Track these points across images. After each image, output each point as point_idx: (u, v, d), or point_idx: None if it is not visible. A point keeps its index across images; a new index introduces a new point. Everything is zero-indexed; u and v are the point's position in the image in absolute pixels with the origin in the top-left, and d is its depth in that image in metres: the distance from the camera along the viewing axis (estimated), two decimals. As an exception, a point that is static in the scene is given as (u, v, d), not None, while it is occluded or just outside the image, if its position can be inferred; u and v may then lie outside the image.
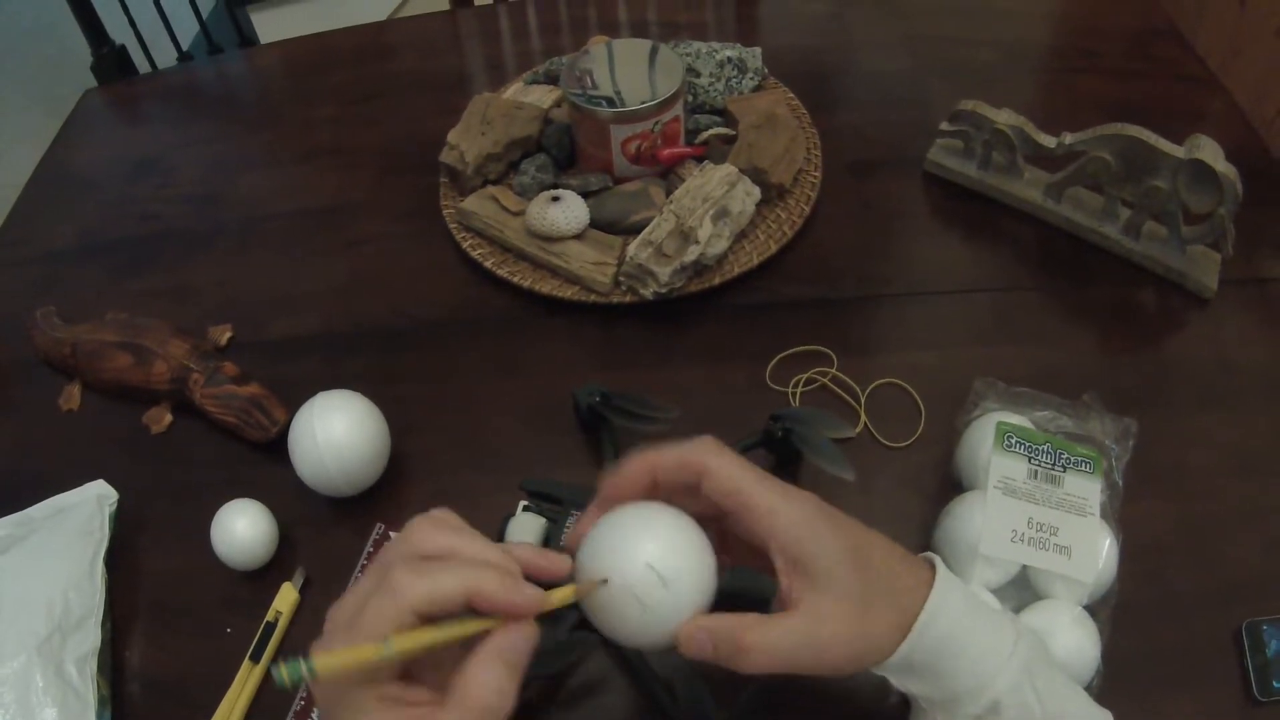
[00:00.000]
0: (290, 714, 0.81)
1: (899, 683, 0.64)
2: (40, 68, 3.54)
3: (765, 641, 0.59)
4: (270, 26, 2.26)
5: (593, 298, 1.05)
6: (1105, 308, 1.04)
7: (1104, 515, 0.81)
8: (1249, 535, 0.86)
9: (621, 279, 1.05)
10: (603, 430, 0.93)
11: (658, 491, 0.63)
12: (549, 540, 0.81)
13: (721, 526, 0.63)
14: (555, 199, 1.07)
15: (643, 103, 1.07)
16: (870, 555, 0.62)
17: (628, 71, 1.12)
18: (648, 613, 0.58)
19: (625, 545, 0.59)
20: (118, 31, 1.72)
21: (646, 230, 1.03)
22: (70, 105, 1.51)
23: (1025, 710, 0.60)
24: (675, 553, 0.59)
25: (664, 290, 1.02)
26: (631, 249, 1.03)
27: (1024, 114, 1.09)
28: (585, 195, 1.10)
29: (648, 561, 0.58)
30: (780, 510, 0.60)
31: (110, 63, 1.67)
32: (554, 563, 0.59)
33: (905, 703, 0.69)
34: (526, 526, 0.82)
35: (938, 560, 0.64)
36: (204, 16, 1.92)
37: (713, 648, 0.59)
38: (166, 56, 1.91)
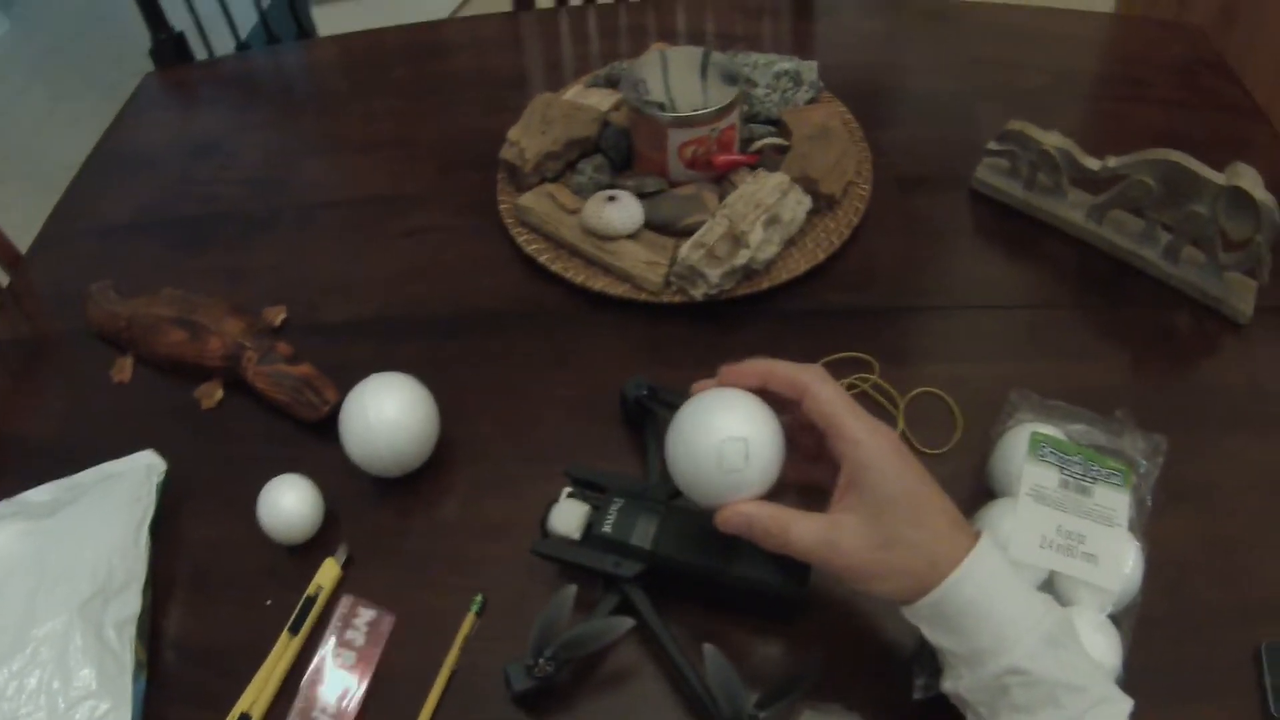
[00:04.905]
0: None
1: (929, 634, 0.69)
2: (98, 52, 3.54)
3: (798, 526, 0.70)
4: (330, 20, 2.28)
5: (643, 296, 1.06)
6: (1141, 329, 1.05)
7: (1131, 529, 0.82)
8: (1273, 556, 0.87)
9: (672, 279, 1.06)
10: (647, 424, 0.95)
11: (761, 392, 0.74)
12: (591, 527, 0.83)
13: (791, 420, 0.75)
14: (611, 199, 1.09)
15: (695, 109, 1.09)
16: (918, 504, 0.70)
17: (680, 78, 1.14)
18: (725, 475, 0.71)
19: (725, 417, 0.72)
20: (177, 18, 1.75)
21: (699, 233, 1.05)
22: (128, 90, 1.53)
23: (1046, 676, 0.65)
24: (761, 441, 0.71)
25: (713, 291, 1.04)
26: (683, 250, 1.04)
27: (1070, 139, 1.10)
28: (640, 196, 1.12)
29: (732, 435, 0.71)
30: (864, 443, 0.70)
31: (168, 49, 1.70)
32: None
33: (933, 700, 0.71)
34: (570, 513, 0.83)
35: (985, 535, 0.69)
36: (264, 7, 1.94)
37: (749, 527, 0.71)
38: (224, 45, 1.94)
